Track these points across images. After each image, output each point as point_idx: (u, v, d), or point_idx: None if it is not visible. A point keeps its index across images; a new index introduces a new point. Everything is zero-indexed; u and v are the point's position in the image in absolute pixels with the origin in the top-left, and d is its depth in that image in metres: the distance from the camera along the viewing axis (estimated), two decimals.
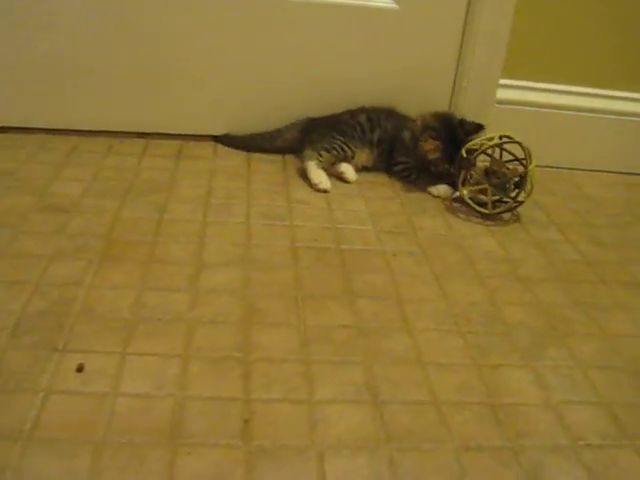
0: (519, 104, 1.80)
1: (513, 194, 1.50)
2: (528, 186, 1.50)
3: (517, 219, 1.53)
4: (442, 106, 1.76)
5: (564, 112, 1.81)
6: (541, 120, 1.79)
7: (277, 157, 1.67)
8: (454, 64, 1.75)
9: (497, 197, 1.50)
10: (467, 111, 1.72)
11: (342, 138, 1.60)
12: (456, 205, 1.56)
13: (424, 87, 1.75)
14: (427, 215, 1.49)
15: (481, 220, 1.51)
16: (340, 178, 1.58)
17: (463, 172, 1.52)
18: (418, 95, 1.75)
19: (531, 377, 1.05)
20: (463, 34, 1.72)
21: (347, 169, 1.58)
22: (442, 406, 0.96)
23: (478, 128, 1.59)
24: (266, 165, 1.63)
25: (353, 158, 1.61)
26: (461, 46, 1.73)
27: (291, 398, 0.95)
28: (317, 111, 1.70)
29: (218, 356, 1.01)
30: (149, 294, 1.13)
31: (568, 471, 0.89)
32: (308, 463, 0.85)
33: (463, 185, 1.52)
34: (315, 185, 1.52)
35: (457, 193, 1.55)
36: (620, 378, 1.08)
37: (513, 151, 1.52)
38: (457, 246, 1.37)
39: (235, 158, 1.64)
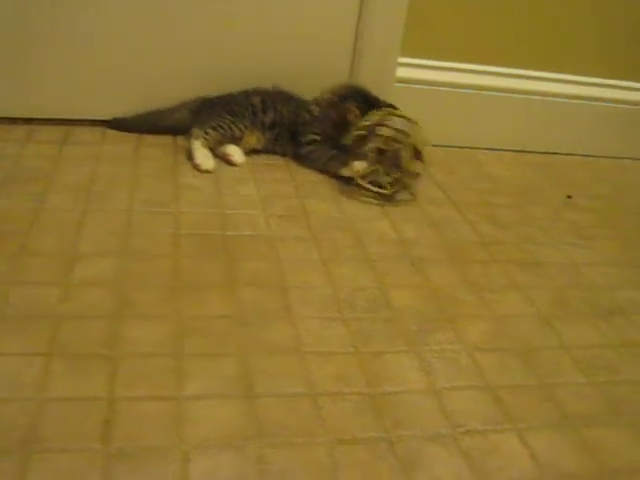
0: (420, 83, 1.76)
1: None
2: (407, 155, 1.44)
3: (414, 199, 1.48)
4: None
5: (465, 91, 1.78)
6: (442, 99, 1.76)
7: (168, 142, 1.59)
8: (351, 43, 1.70)
9: (390, 178, 1.44)
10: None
11: (231, 117, 1.53)
12: (352, 188, 1.49)
13: (321, 67, 1.69)
14: (321, 198, 1.43)
15: (378, 202, 1.45)
16: (226, 160, 1.51)
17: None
18: (315, 75, 1.69)
19: (415, 363, 1.00)
20: (360, 12, 1.66)
21: (234, 151, 1.52)
22: (319, 398, 0.91)
23: (389, 106, 1.54)
24: (156, 150, 1.55)
25: (242, 139, 1.54)
26: (358, 25, 1.68)
27: (157, 395, 0.89)
28: (211, 91, 1.62)
29: (83, 353, 0.94)
30: (16, 289, 1.04)
31: (446, 460, 0.86)
32: (171, 465, 0.79)
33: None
34: (197, 166, 1.47)
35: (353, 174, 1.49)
36: (507, 360, 1.04)
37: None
38: (349, 229, 1.32)
39: (124, 143, 1.56)
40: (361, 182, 1.46)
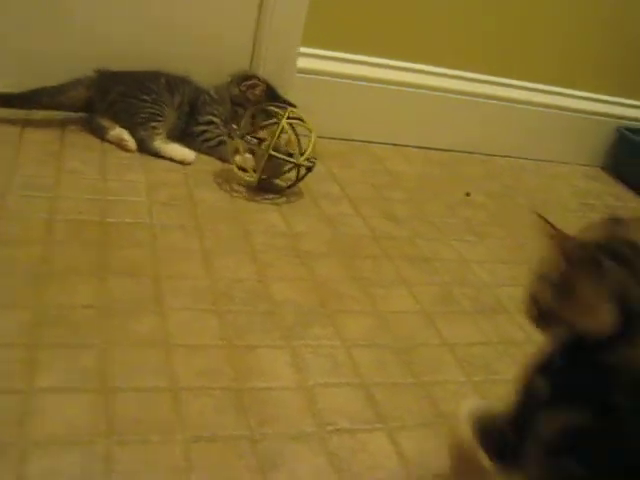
0: (321, 74, 1.72)
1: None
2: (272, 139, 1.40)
3: (309, 193, 1.44)
4: None
5: (368, 84, 1.75)
6: (344, 91, 1.73)
7: (55, 124, 1.50)
8: (252, 32, 1.65)
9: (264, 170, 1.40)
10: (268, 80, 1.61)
11: (154, 98, 1.46)
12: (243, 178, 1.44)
13: (221, 56, 1.64)
14: (212, 188, 1.38)
15: (271, 194, 1.43)
16: (122, 146, 1.44)
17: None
18: (215, 65, 1.63)
19: (289, 358, 0.96)
20: (261, 1, 1.60)
21: (130, 136, 1.44)
22: (181, 392, 0.86)
23: (287, 104, 1.52)
24: (42, 133, 1.47)
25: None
26: (259, 14, 1.63)
27: (5, 388, 0.81)
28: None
29: None
30: None
31: (309, 459, 0.82)
32: (6, 464, 0.72)
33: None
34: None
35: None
36: (385, 357, 1.01)
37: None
38: (237, 220, 1.27)
39: (7, 124, 1.46)
40: (236, 172, 1.40)
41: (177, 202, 1.30)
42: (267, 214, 1.33)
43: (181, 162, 1.44)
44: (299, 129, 1.41)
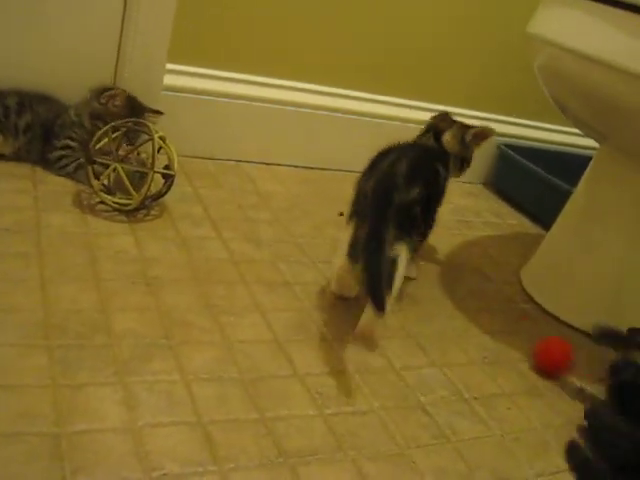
0: (189, 91, 1.65)
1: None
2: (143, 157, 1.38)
3: (168, 215, 1.36)
4: None
5: (238, 101, 1.70)
6: (213, 109, 1.67)
7: None
8: (115, 48, 1.55)
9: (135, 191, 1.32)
10: None
11: None
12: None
13: (82, 74, 1.54)
14: (62, 211, 1.29)
15: (126, 217, 1.36)
16: None
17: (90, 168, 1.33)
18: (76, 83, 1.53)
19: (119, 396, 0.88)
20: (124, 15, 1.53)
21: None
22: None
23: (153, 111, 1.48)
24: None
25: None
26: (122, 29, 1.54)
27: None
28: None
29: None
30: None
31: None
32: None
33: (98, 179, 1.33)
34: None
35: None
36: (228, 391, 0.94)
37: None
38: (85, 246, 1.19)
39: None
40: (102, 197, 1.32)
41: (21, 228, 1.20)
42: (119, 238, 1.25)
43: None
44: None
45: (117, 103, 1.43)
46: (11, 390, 0.86)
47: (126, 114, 1.43)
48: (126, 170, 1.32)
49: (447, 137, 1.40)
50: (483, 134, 1.39)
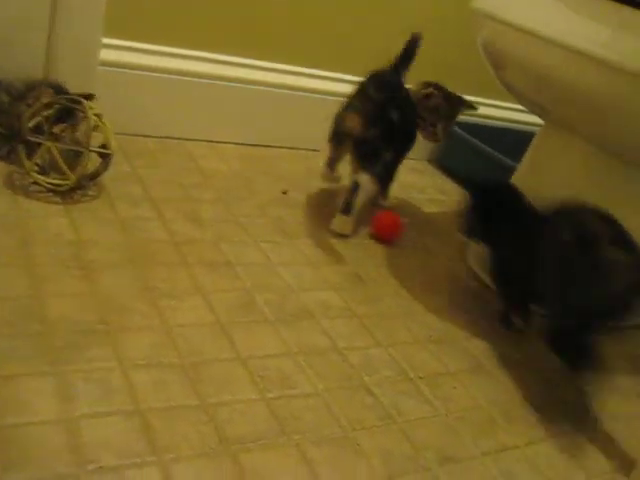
0: (127, 67, 1.59)
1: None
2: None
3: (106, 195, 1.32)
4: (35, 69, 1.49)
5: (179, 77, 1.65)
6: (152, 85, 1.62)
7: None
8: (46, 18, 1.48)
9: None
10: (67, 74, 1.48)
11: None
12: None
13: (12, 49, 1.47)
14: None
15: (60, 198, 1.31)
16: None
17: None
18: (7, 60, 1.46)
19: (53, 387, 0.85)
20: None
21: None
22: None
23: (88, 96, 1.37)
24: None
25: None
26: (54, 2, 1.47)
27: None
28: None
29: None
30: None
31: None
32: None
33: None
34: None
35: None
36: (168, 377, 0.91)
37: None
38: (17, 229, 1.14)
39: None
40: (35, 177, 1.27)
41: None
42: (54, 220, 1.20)
43: None
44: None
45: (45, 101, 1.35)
46: None
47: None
48: (60, 149, 1.26)
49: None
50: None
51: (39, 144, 1.27)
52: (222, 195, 1.47)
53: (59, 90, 1.38)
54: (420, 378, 1.08)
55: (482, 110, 2.05)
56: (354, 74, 1.81)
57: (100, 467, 0.77)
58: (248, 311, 1.10)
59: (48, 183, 1.28)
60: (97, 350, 0.93)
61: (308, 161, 1.78)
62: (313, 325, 1.12)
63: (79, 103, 1.29)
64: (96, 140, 1.29)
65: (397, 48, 1.56)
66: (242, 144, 1.76)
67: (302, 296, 1.18)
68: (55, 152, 1.26)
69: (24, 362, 0.88)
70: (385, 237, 1.51)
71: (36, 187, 1.28)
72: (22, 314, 0.96)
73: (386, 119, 1.43)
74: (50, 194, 1.27)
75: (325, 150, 1.54)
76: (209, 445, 0.84)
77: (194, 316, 1.06)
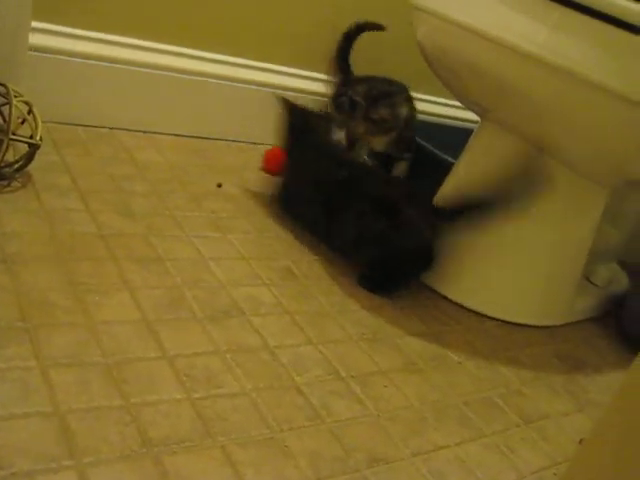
0: (59, 53, 1.54)
1: None
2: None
3: (31, 185, 1.27)
4: None
5: (114, 65, 1.61)
6: (86, 72, 1.57)
7: None
8: None
9: None
10: None
11: None
12: None
13: None
14: None
15: None
16: None
17: None
18: None
19: None
20: None
21: None
22: None
23: None
24: None
25: None
26: None
27: None
28: None
29: None
30: None
31: None
32: None
33: None
34: None
35: None
36: (90, 377, 0.88)
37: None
38: None
39: None
40: None
41: None
42: None
43: None
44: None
45: None
46: None
47: None
48: None
49: None
50: None
51: None
52: (155, 187, 1.43)
53: None
54: (352, 377, 1.07)
55: (421, 106, 2.05)
56: (291, 66, 1.80)
57: (12, 473, 0.74)
58: (176, 308, 1.08)
59: None
60: (15, 348, 0.90)
61: (245, 154, 1.75)
62: (243, 322, 1.10)
63: (4, 87, 1.23)
64: (24, 129, 1.24)
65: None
66: (179, 135, 1.73)
67: (233, 292, 1.16)
68: None
69: None
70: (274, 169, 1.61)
71: None
72: None
73: None
74: None
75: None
76: (131, 447, 0.81)
77: (120, 313, 1.02)
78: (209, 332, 1.05)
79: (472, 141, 1.46)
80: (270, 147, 1.64)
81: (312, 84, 1.93)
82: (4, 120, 1.26)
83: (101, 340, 0.96)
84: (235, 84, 1.79)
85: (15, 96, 1.23)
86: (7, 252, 1.08)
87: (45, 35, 1.55)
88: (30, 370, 0.87)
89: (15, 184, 1.27)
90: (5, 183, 1.25)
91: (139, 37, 1.65)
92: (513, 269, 1.39)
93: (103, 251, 1.16)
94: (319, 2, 1.84)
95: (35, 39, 1.52)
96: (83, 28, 1.58)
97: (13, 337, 0.92)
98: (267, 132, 1.80)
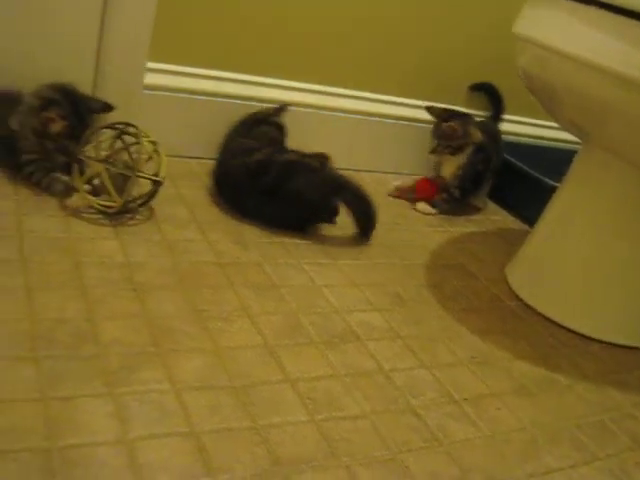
0: (172, 90, 1.64)
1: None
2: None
3: (152, 217, 1.35)
4: (83, 91, 1.53)
5: (222, 100, 1.69)
6: (196, 108, 1.66)
7: None
8: (95, 44, 1.53)
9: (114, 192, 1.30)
10: (112, 97, 1.52)
11: None
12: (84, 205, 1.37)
13: (60, 70, 1.51)
14: (44, 215, 1.27)
15: (109, 220, 1.35)
16: None
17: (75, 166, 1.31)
18: (56, 78, 1.50)
19: (110, 408, 0.87)
20: (103, 13, 1.51)
21: None
22: None
23: (105, 107, 1.40)
24: None
25: None
26: (102, 27, 1.52)
27: None
28: None
29: None
30: None
31: None
32: None
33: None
34: None
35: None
36: (220, 399, 0.93)
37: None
38: (69, 251, 1.17)
39: None
40: (86, 197, 1.31)
41: (2, 234, 1.18)
42: (103, 243, 1.24)
43: None
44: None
45: (54, 130, 1.36)
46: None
47: (69, 134, 1.37)
48: (111, 172, 1.30)
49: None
50: None
51: (90, 166, 1.30)
52: None
53: (74, 104, 1.40)
54: (465, 400, 1.09)
55: (522, 129, 2.06)
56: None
57: None
58: (295, 333, 1.12)
59: (98, 204, 1.31)
60: (150, 372, 0.96)
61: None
62: (358, 347, 1.14)
63: (133, 127, 1.31)
64: (149, 166, 1.32)
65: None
66: None
67: (346, 317, 1.20)
68: (105, 175, 1.29)
69: (81, 384, 0.91)
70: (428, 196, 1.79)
71: (86, 209, 1.31)
72: (77, 336, 0.99)
73: None
74: (99, 217, 1.30)
75: None
76: (262, 466, 0.86)
77: (242, 338, 1.08)
78: (327, 356, 1.09)
79: (575, 165, 1.46)
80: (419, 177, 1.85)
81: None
82: (131, 158, 1.33)
83: (227, 365, 1.01)
84: (366, 117, 1.85)
85: (143, 136, 1.31)
86: (135, 281, 1.15)
87: (159, 74, 1.63)
88: (165, 393, 0.93)
89: (139, 217, 1.34)
90: (130, 216, 1.33)
91: (248, 73, 1.71)
92: (620, 290, 1.39)
93: (222, 279, 1.22)
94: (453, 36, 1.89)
95: (150, 79, 1.61)
96: (193, 66, 1.66)
97: (146, 361, 0.98)
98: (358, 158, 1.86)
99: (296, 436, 0.92)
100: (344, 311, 1.22)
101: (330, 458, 0.90)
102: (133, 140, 1.33)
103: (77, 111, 1.35)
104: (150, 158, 1.34)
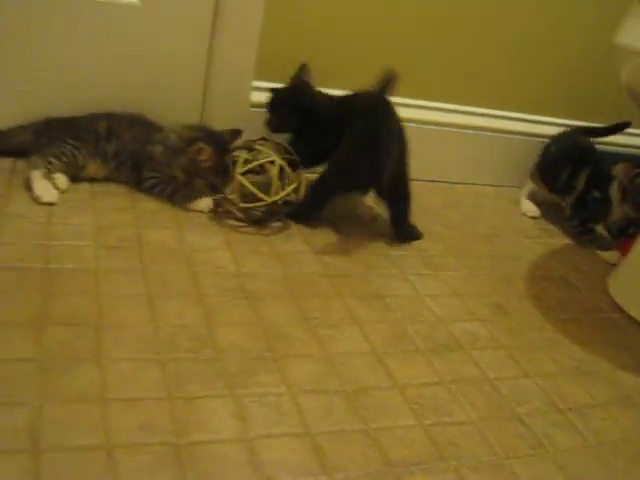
0: None
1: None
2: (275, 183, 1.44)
3: (260, 230, 1.41)
4: (194, 110, 1.63)
5: None
6: None
7: (4, 165, 1.46)
8: (204, 66, 1.62)
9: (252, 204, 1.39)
10: (220, 114, 1.61)
11: (74, 144, 1.43)
12: (196, 217, 1.46)
13: (173, 90, 1.61)
14: (161, 227, 1.35)
15: (221, 232, 1.42)
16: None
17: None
18: (167, 100, 1.61)
19: (231, 408, 0.93)
20: (212, 34, 1.59)
21: (44, 189, 1.40)
22: (115, 450, 0.83)
23: (235, 134, 1.50)
24: None
25: (85, 167, 1.44)
26: (210, 48, 1.61)
27: None
28: (58, 112, 1.53)
29: None
30: None
31: None
32: None
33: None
34: (38, 198, 1.35)
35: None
36: (333, 403, 0.98)
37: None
38: (185, 261, 1.24)
39: None
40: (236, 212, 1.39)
41: (124, 244, 1.27)
42: (217, 253, 1.30)
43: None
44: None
45: (204, 158, 1.45)
46: (129, 403, 0.91)
47: (215, 162, 1.47)
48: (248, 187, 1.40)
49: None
50: None
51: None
52: (365, 229, 1.53)
53: (215, 141, 1.49)
54: (569, 409, 1.11)
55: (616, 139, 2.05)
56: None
57: None
58: (401, 341, 1.16)
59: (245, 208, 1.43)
60: (266, 376, 1.01)
61: (441, 193, 1.83)
62: (462, 355, 1.17)
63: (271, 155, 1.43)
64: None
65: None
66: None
67: (450, 327, 1.23)
68: (247, 185, 1.41)
69: (203, 385, 0.97)
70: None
71: (198, 220, 1.39)
72: (197, 341, 1.06)
73: None
74: (210, 230, 1.38)
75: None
76: (375, 467, 0.90)
77: (352, 345, 1.12)
78: (433, 364, 1.13)
79: None
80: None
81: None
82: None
83: (338, 370, 1.06)
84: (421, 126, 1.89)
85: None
86: (248, 289, 1.21)
87: (264, 92, 1.70)
88: (281, 396, 0.99)
89: (248, 229, 1.41)
90: (242, 227, 1.39)
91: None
92: None
93: (329, 289, 1.28)
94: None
95: (256, 97, 1.67)
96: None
97: (263, 366, 1.04)
98: (455, 170, 1.89)
99: (406, 439, 0.96)
100: (448, 320, 1.25)
101: (439, 461, 0.93)
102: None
103: (217, 144, 1.46)
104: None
